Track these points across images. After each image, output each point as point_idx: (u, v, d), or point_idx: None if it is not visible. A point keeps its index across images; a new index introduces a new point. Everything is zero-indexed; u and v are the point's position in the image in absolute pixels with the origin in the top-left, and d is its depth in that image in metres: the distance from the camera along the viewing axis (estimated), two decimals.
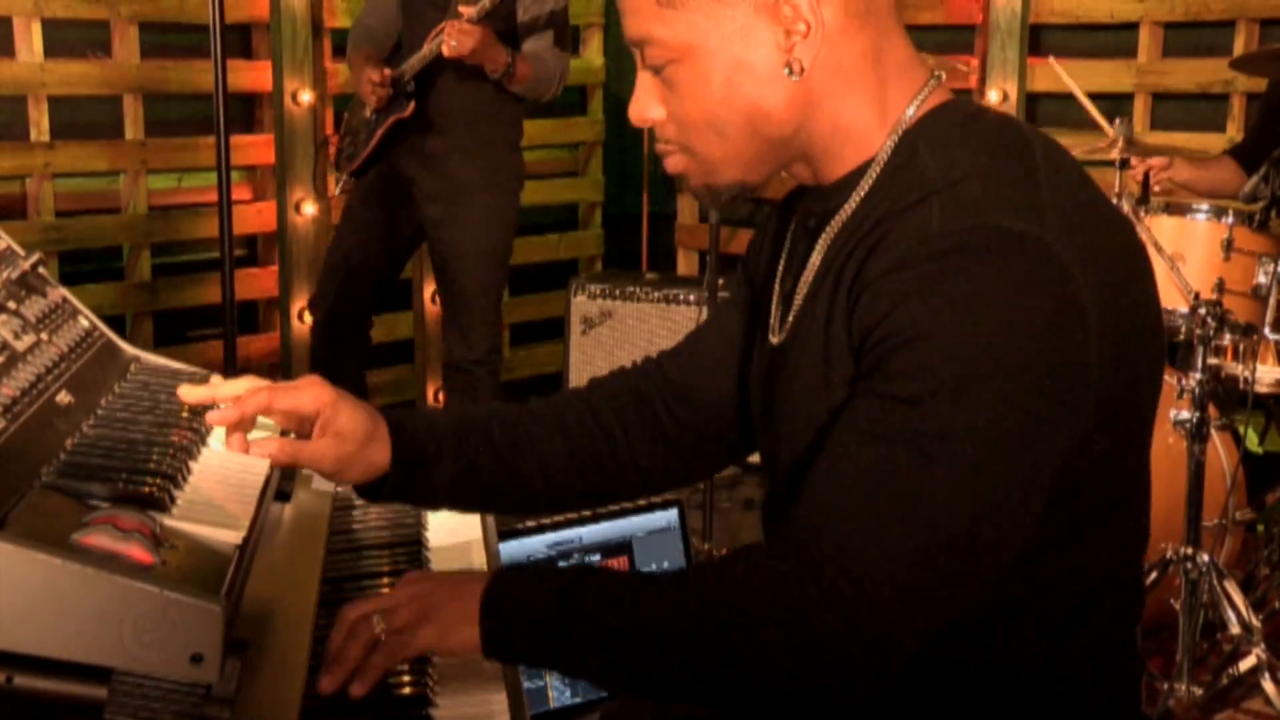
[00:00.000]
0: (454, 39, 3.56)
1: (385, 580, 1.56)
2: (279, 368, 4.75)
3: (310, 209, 4.64)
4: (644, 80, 1.34)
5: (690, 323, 4.39)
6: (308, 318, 4.67)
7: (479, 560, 1.67)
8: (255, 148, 4.66)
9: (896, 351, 1.17)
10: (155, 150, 4.40)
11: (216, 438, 1.46)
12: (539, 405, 1.60)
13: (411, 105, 3.78)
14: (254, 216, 4.70)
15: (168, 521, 1.20)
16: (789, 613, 1.18)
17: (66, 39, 4.25)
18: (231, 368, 2.47)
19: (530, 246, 5.51)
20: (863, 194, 1.30)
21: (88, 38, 4.30)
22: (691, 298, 4.53)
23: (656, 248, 5.60)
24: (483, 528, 1.75)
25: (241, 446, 1.44)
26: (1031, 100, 4.92)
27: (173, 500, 1.25)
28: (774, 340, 1.40)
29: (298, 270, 4.68)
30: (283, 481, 1.64)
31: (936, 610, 1.20)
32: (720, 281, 3.97)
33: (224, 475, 1.35)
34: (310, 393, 1.45)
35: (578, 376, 4.87)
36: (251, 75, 4.61)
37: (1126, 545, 1.36)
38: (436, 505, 1.61)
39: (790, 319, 1.36)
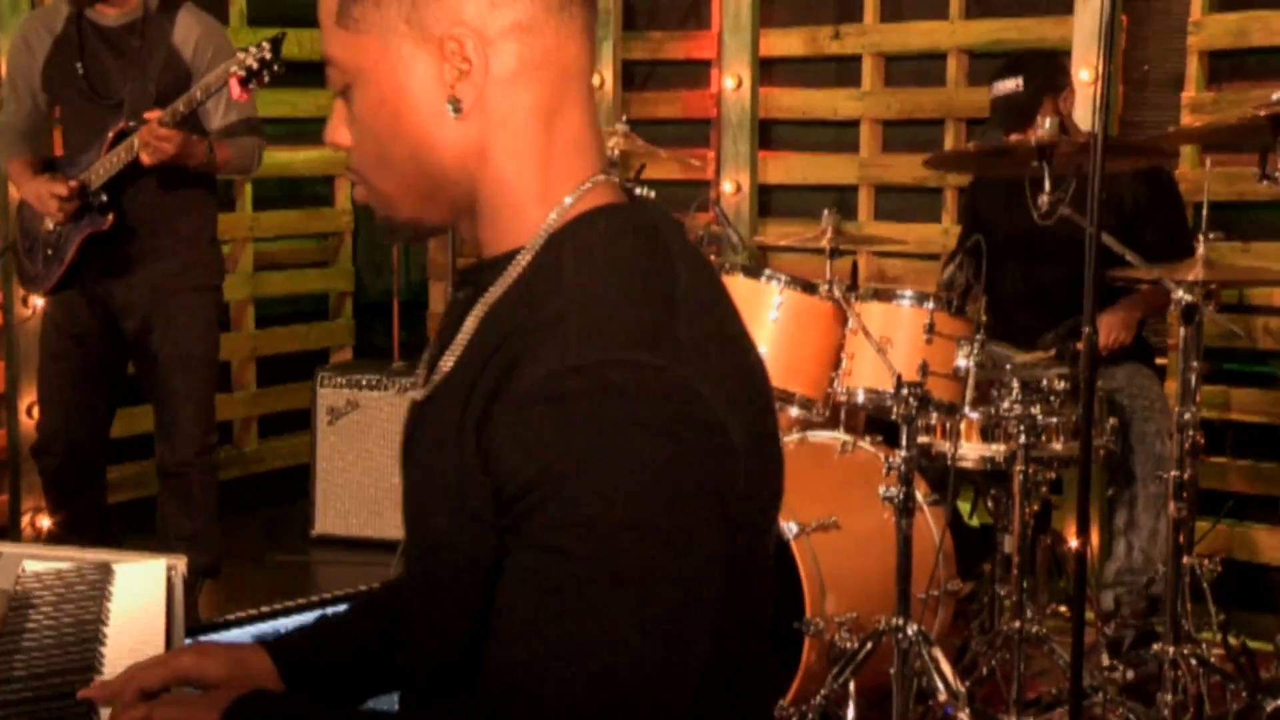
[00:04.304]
0: (151, 147, 3.43)
1: (48, 679, 1.53)
2: (7, 465, 4.58)
3: (39, 302, 4.50)
4: (336, 103, 1.32)
5: None
6: (36, 413, 4.52)
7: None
8: None
9: (543, 503, 1.15)
10: None
11: None
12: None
13: (111, 217, 3.60)
14: None
15: None
16: None
17: None
18: None
19: (279, 337, 5.45)
20: (509, 282, 1.28)
21: None
22: None
23: (411, 336, 5.61)
24: (167, 625, 1.74)
25: None
26: (764, 192, 5.13)
27: None
28: (416, 396, 1.36)
29: (25, 365, 4.52)
30: None
31: None
32: None
33: None
34: (169, 665, 1.45)
35: (326, 467, 4.82)
36: None
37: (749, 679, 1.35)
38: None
39: (433, 380, 1.32)
